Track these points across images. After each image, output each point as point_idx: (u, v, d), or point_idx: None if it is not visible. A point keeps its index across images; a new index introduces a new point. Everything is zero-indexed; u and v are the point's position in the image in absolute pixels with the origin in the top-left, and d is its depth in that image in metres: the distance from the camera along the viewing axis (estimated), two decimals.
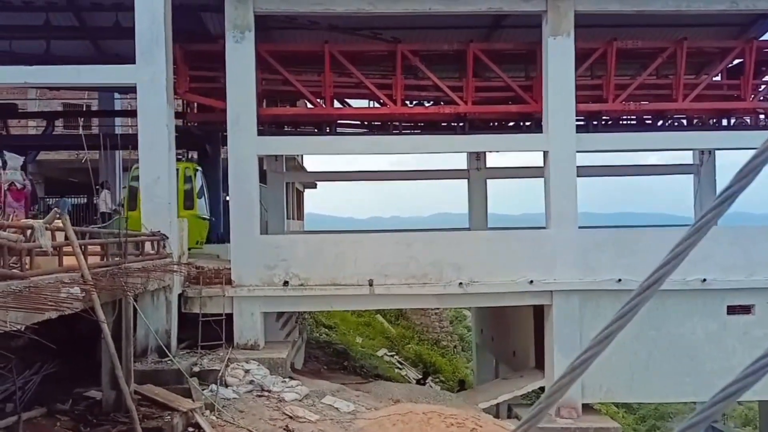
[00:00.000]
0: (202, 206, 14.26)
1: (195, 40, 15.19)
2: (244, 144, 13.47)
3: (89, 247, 9.03)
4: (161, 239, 12.15)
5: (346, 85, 15.17)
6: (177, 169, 14.14)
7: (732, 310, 14.06)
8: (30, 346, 9.81)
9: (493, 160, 22.67)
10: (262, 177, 16.59)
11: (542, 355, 14.61)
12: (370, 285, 13.52)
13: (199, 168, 15.41)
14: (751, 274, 13.89)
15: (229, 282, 13.33)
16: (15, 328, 6.17)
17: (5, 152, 14.16)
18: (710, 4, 13.96)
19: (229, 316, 13.14)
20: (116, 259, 9.95)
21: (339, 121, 15.69)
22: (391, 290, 13.68)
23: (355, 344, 26.15)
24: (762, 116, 16.14)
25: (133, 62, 12.58)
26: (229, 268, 13.48)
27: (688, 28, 15.93)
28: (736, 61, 15.89)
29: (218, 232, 18.27)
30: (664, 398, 15.50)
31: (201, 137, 17.75)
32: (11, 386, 9.03)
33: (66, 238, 8.26)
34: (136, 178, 13.72)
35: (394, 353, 27.84)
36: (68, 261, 8.21)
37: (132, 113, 18.71)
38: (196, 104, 16.11)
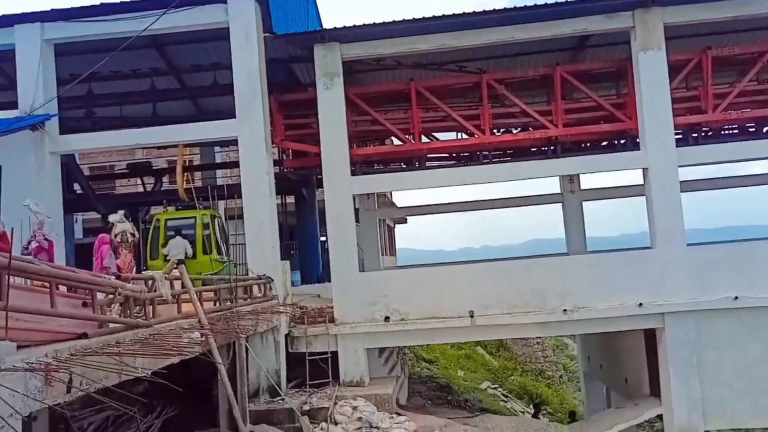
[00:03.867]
0: (220, 251, 14.75)
1: (287, 90, 15.90)
2: (339, 185, 13.87)
3: (203, 293, 9.52)
4: (267, 282, 12.63)
5: (434, 119, 15.35)
6: (194, 218, 14.70)
7: None
8: (151, 391, 10.35)
9: (588, 182, 22.09)
10: (355, 216, 16.95)
11: (657, 381, 13.96)
12: (471, 316, 13.42)
13: (218, 215, 15.92)
14: None
15: (332, 320, 13.60)
16: (143, 374, 6.56)
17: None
18: None
19: (334, 354, 13.37)
20: (228, 303, 10.43)
21: (428, 155, 15.85)
22: (493, 320, 13.52)
23: (457, 378, 25.81)
24: None
25: (233, 116, 13.35)
26: (332, 307, 13.78)
27: None
28: None
29: (317, 272, 18.73)
30: None
31: (297, 182, 18.41)
32: (135, 430, 9.52)
33: (183, 286, 8.77)
34: (158, 228, 14.51)
35: (497, 386, 27.25)
36: (185, 308, 8.70)
37: (232, 164, 19.74)
38: (291, 151, 16.77)
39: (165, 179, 21.55)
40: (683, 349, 13.21)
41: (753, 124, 15.65)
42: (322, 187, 14.51)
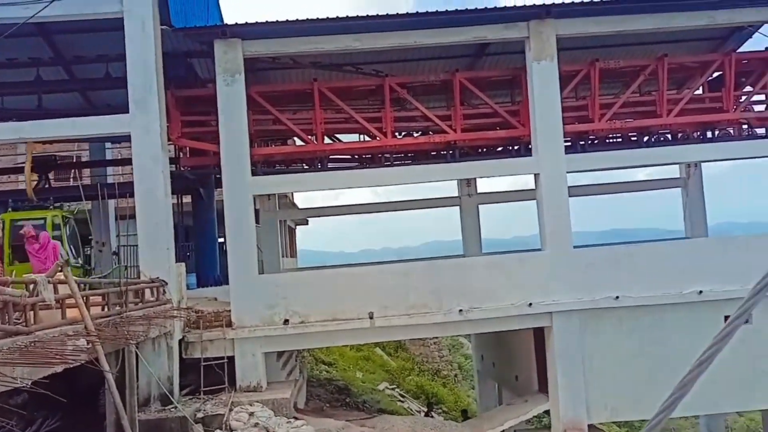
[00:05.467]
0: (71, 254, 14.20)
1: (185, 85, 15.33)
2: (239, 185, 13.53)
3: (90, 297, 8.99)
4: (161, 285, 12.11)
5: (336, 120, 15.33)
6: (44, 219, 14.05)
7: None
8: (30, 402, 9.68)
9: (483, 186, 22.84)
10: (256, 217, 16.63)
11: (545, 378, 14.55)
12: (371, 318, 13.47)
13: (70, 216, 15.32)
14: (746, 283, 13.91)
15: (230, 324, 13.24)
16: (23, 384, 6.12)
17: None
18: (689, 20, 14.30)
19: (231, 359, 13.03)
20: (117, 308, 9.90)
21: (330, 157, 15.80)
22: (392, 321, 13.64)
23: (356, 379, 25.89)
24: (745, 126, 16.43)
25: (126, 111, 12.69)
26: (229, 311, 13.41)
27: (668, 44, 16.31)
28: (716, 74, 16.22)
29: (215, 274, 18.18)
30: (674, 413, 15.40)
31: (194, 181, 17.78)
32: None
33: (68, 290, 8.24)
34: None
35: (395, 386, 27.57)
36: (70, 313, 8.18)
37: (125, 162, 18.78)
38: (188, 149, 16.19)
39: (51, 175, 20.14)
40: (569, 347, 13.82)
41: (635, 134, 16.73)
42: (220, 186, 14.11)
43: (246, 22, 13.56)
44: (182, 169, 16.90)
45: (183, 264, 13.47)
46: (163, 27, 13.12)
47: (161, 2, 12.96)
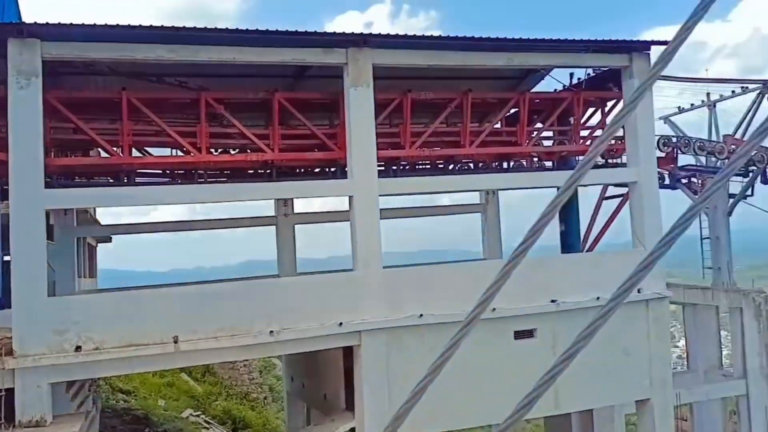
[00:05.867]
0: None
1: None
2: (29, 198, 12.09)
3: None
4: None
5: (147, 133, 14.46)
6: None
7: (518, 335, 15.28)
8: None
9: (300, 206, 22.94)
10: (49, 233, 15.08)
11: (353, 396, 14.77)
12: (175, 342, 12.75)
13: None
14: (532, 301, 15.34)
15: (10, 353, 11.77)
16: None
17: None
18: (489, 59, 15.57)
19: (10, 391, 11.57)
20: None
21: (139, 171, 14.85)
22: (199, 345, 12.98)
23: (158, 407, 24.43)
24: (536, 159, 18.27)
25: None
26: (10, 337, 11.92)
27: (473, 80, 17.66)
28: (513, 111, 17.85)
29: None
30: (462, 424, 16.29)
31: None
32: None
33: None
34: None
35: (200, 412, 26.41)
36: None
37: None
38: None
39: None
40: (375, 365, 14.11)
41: (442, 161, 17.85)
42: (6, 199, 12.59)
43: (47, 23, 12.28)
44: None
45: None
46: None
47: None
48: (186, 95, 14.75)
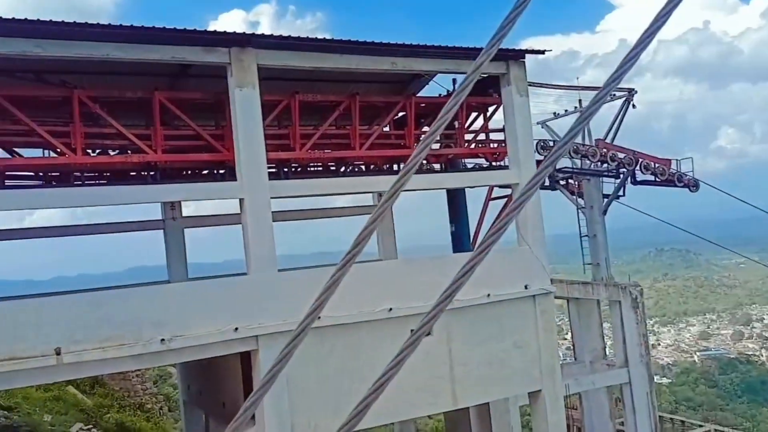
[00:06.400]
0: None
1: None
2: None
3: None
4: None
5: (14, 132, 13.55)
6: None
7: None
8: None
9: (189, 209, 22.26)
10: None
11: None
12: (57, 354, 12.06)
13: None
14: (428, 299, 15.75)
15: None
16: None
17: None
18: (374, 63, 15.73)
19: None
20: None
21: (7, 173, 13.88)
22: (83, 357, 12.36)
23: (43, 423, 23.01)
24: (425, 161, 18.71)
25: None
26: None
27: (361, 83, 17.85)
28: (401, 114, 18.20)
29: None
30: (368, 423, 16.59)
31: None
32: None
33: None
34: None
35: (90, 426, 25.09)
36: None
37: None
38: None
39: None
40: None
41: (334, 163, 17.90)
42: None
43: None
44: None
45: None
46: None
47: None
48: (56, 92, 13.95)
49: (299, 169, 17.36)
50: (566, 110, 25.17)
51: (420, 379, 15.24)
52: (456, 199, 20.47)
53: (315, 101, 16.22)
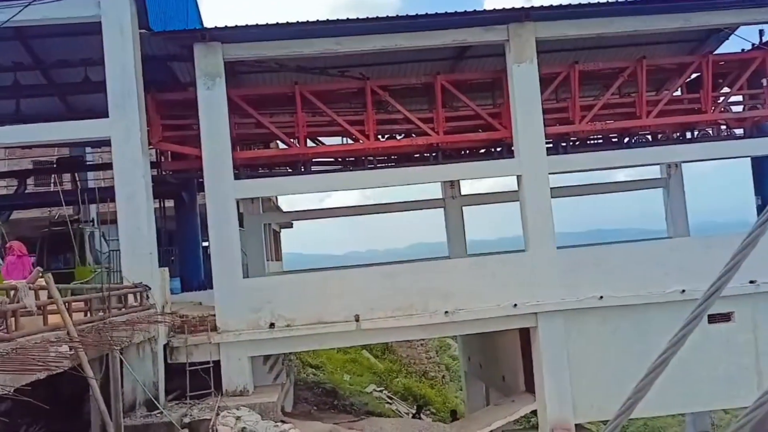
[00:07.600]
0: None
1: (166, 89, 15.28)
2: (222, 189, 13.49)
3: (73, 303, 8.93)
4: (144, 290, 12.05)
5: (319, 123, 15.34)
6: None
7: (713, 319, 14.14)
8: (14, 409, 9.59)
9: (467, 188, 22.95)
10: (240, 220, 16.58)
11: (532, 378, 14.61)
12: (357, 320, 13.49)
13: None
14: (728, 281, 14.10)
15: (215, 328, 13.20)
16: (5, 391, 6.08)
17: None
18: (666, 22, 14.45)
19: (217, 363, 12.99)
20: (100, 314, 9.85)
21: (314, 160, 15.81)
22: (378, 324, 13.65)
23: (343, 382, 25.89)
24: (724, 127, 16.66)
25: (106, 115, 12.63)
26: (214, 315, 13.36)
27: (647, 46, 16.49)
28: (694, 76, 16.40)
29: (199, 279, 18.11)
30: (654, 412, 15.55)
31: (176, 185, 17.71)
32: None
33: (49, 296, 8.18)
34: None
35: (382, 388, 27.57)
36: (53, 319, 8.13)
37: (106, 166, 18.66)
38: (170, 153, 16.13)
39: (29, 180, 20.01)
40: (554, 347, 13.91)
41: (616, 135, 16.89)
42: (203, 191, 14.07)
43: (226, 26, 13.54)
44: (164, 173, 16.83)
45: (166, 269, 13.43)
46: (142, 31, 13.08)
47: (140, 6, 12.92)
48: (352, 84, 15.40)
49: (578, 143, 16.72)
50: None
51: (719, 369, 13.82)
52: (763, 168, 17.80)
53: (596, 70, 15.44)
